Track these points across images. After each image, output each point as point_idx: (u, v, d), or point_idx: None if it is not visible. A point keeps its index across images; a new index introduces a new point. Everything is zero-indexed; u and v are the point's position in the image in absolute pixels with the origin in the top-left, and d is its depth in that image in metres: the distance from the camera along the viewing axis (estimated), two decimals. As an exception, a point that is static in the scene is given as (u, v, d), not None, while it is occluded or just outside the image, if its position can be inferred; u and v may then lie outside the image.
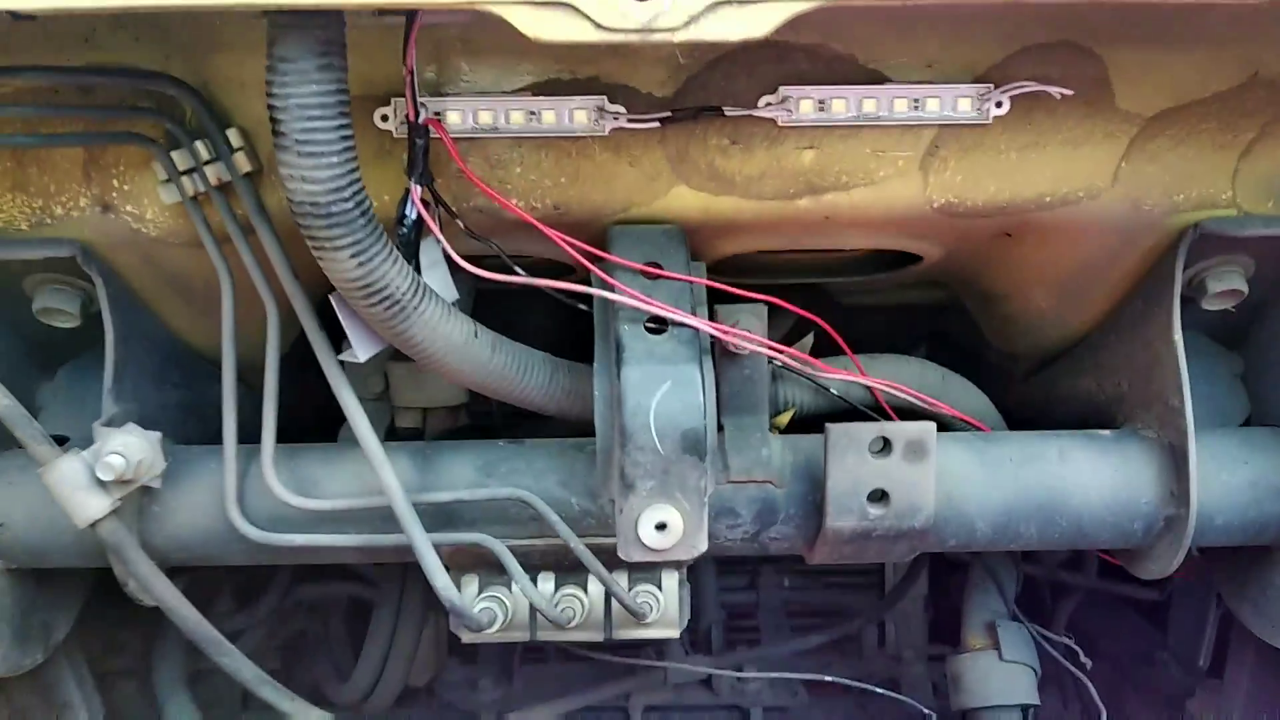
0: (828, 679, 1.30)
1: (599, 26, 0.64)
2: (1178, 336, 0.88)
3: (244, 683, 0.91)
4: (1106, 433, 0.96)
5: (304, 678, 1.60)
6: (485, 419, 1.14)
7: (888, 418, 1.01)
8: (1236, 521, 0.92)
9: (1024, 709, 1.11)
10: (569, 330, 1.03)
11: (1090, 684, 1.14)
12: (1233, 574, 1.06)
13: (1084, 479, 0.92)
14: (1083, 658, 1.15)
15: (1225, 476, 0.92)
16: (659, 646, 1.42)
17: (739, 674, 1.39)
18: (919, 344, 1.42)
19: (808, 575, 1.62)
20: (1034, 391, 1.19)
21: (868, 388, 1.00)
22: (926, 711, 1.24)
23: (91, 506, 0.81)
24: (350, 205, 0.72)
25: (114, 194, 0.87)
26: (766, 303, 0.92)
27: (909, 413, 1.01)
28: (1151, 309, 0.92)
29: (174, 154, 0.82)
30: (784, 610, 1.59)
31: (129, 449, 0.81)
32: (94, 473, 0.81)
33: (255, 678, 0.92)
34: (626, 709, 1.45)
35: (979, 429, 1.01)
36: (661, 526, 0.77)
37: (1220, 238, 0.88)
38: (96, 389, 0.92)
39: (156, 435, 0.84)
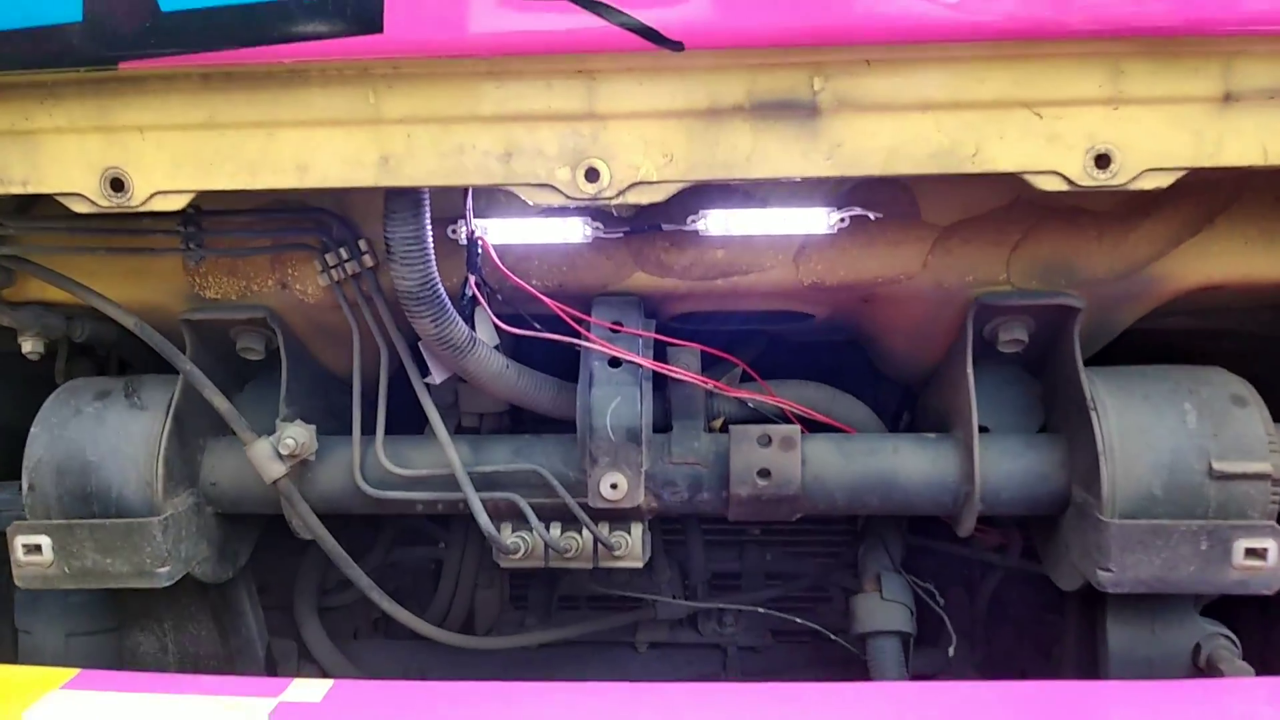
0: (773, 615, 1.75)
1: (567, 196, 1.13)
2: (969, 371, 1.32)
3: (364, 589, 1.43)
4: (931, 435, 1.40)
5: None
6: (520, 422, 1.64)
7: (789, 423, 1.47)
8: (1017, 497, 1.35)
9: (900, 634, 1.54)
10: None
11: (946, 617, 1.57)
12: (1041, 541, 1.49)
13: (910, 466, 1.36)
14: (938, 598, 1.58)
15: (1008, 465, 1.35)
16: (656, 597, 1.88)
17: (720, 605, 1.84)
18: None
19: (786, 550, 2.04)
20: (920, 404, 1.64)
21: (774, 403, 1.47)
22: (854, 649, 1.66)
23: (274, 470, 1.33)
24: (430, 291, 1.22)
25: (289, 278, 1.39)
26: (702, 348, 1.41)
27: (805, 419, 1.47)
28: (958, 351, 1.36)
29: (326, 255, 1.35)
30: (764, 576, 2.03)
31: (297, 435, 1.33)
32: (277, 449, 1.33)
33: (369, 586, 1.44)
34: (634, 643, 1.92)
35: (845, 430, 1.46)
36: (614, 485, 1.26)
37: (996, 306, 1.32)
38: (272, 398, 1.44)
39: (312, 427, 1.36)
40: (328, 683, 1.10)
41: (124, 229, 1.32)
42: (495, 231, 1.32)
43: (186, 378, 1.35)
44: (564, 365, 1.46)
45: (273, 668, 1.70)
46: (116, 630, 1.61)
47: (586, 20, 1.02)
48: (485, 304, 1.31)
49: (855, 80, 1.08)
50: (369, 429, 1.40)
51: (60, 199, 1.17)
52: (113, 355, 1.69)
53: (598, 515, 1.35)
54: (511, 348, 1.42)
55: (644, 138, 1.10)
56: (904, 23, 1.03)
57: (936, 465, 1.35)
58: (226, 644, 1.61)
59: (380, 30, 1.02)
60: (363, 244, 1.32)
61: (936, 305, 1.37)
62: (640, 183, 1.11)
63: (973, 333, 1.33)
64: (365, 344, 1.40)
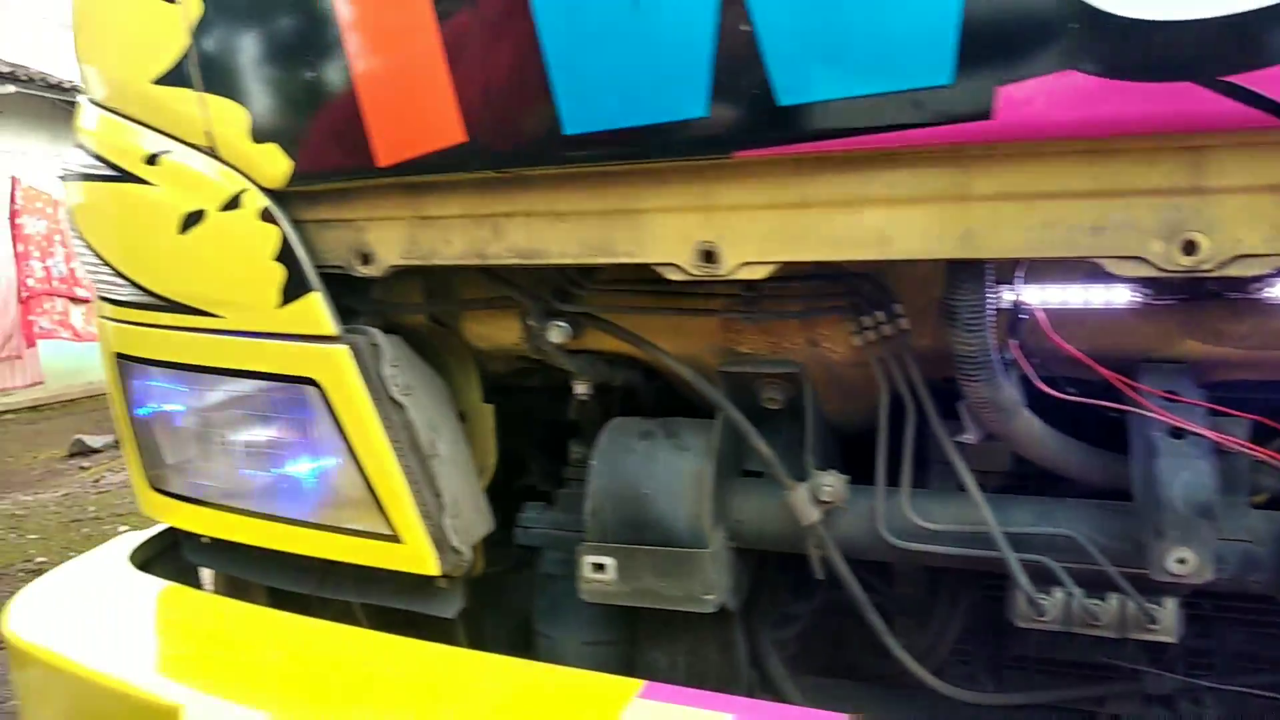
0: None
1: (1159, 269, 1.13)
2: None
3: (878, 632, 1.50)
4: None
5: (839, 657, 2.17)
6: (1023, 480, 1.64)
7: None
8: None
9: None
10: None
11: None
12: None
13: None
14: None
15: None
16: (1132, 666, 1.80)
17: (1238, 688, 1.72)
18: None
19: (1254, 630, 1.87)
20: None
21: (1330, 480, 1.37)
22: None
23: (811, 514, 1.44)
24: (988, 357, 1.27)
25: (818, 336, 1.50)
26: (1252, 418, 1.34)
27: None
28: None
29: (863, 318, 1.44)
30: (1233, 656, 1.87)
31: (834, 484, 1.43)
32: (815, 495, 1.44)
33: (883, 630, 1.50)
34: (1094, 714, 1.85)
35: None
36: (1182, 560, 1.23)
37: None
38: (784, 446, 1.56)
39: (846, 477, 1.46)
40: None
41: (679, 290, 1.48)
42: (1033, 295, 1.35)
43: (734, 425, 1.49)
44: (1069, 427, 1.45)
45: (749, 695, 1.82)
46: (621, 643, 1.80)
47: (1203, 99, 1.02)
48: (1029, 368, 1.34)
49: None
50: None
51: (656, 268, 1.34)
52: (617, 397, 1.90)
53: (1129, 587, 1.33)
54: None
55: (1251, 211, 1.08)
56: None
57: None
58: (723, 669, 1.74)
59: (990, 118, 1.09)
60: (898, 308, 1.40)
61: None
62: (1243, 255, 1.09)
63: None
64: (872, 398, 1.47)
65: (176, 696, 1.44)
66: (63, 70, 11.96)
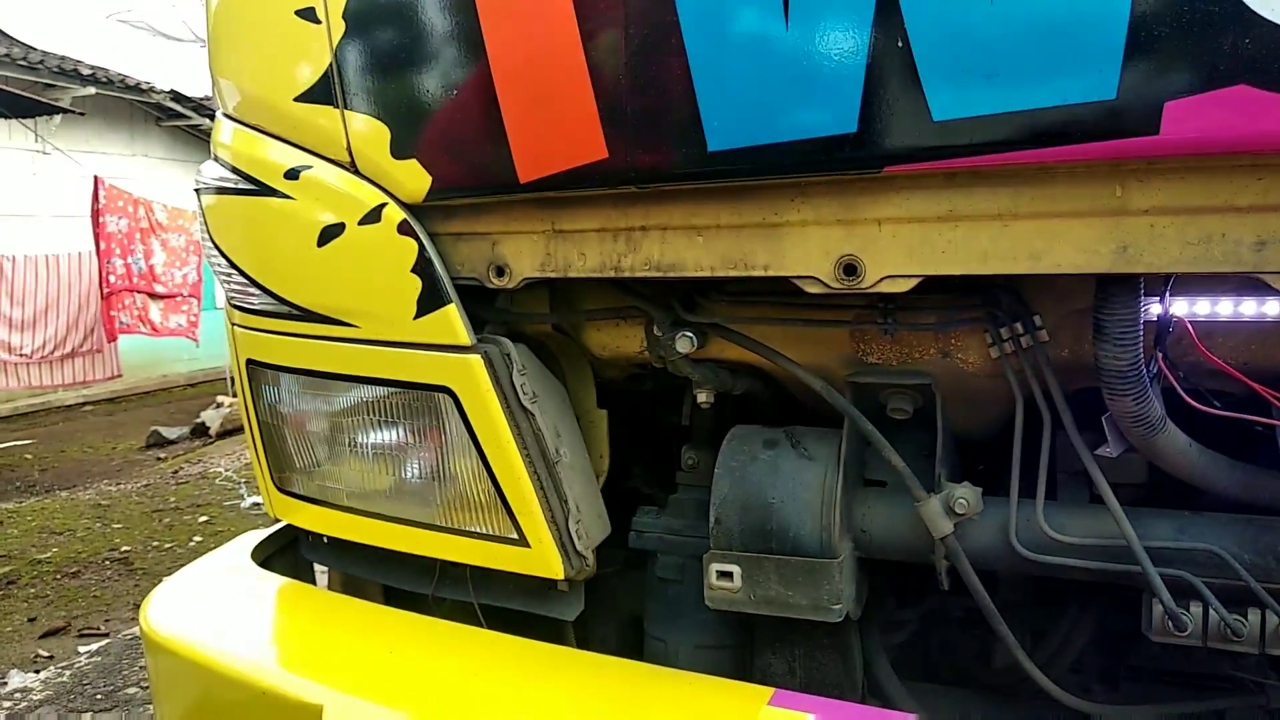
0: None
1: (1326, 287, 1.11)
2: None
3: (1009, 646, 1.49)
4: None
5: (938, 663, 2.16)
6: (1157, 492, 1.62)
7: None
8: None
9: None
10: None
11: None
12: None
13: None
14: None
15: None
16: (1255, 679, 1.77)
17: None
18: None
19: None
20: None
21: None
22: None
23: (944, 527, 1.44)
24: (1138, 371, 1.26)
25: (951, 347, 1.50)
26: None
27: None
28: None
29: (1001, 329, 1.43)
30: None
31: (968, 497, 1.43)
32: (948, 507, 1.44)
33: (1014, 644, 1.49)
34: (1218, 728, 1.82)
35: None
36: (1336, 578, 1.21)
37: None
38: (910, 457, 1.55)
39: (979, 489, 1.45)
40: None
41: (810, 301, 1.49)
42: (1180, 307, 1.33)
43: (861, 435, 1.49)
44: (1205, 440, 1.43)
45: (862, 701, 1.83)
46: (735, 647, 1.81)
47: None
48: (1175, 382, 1.32)
49: None
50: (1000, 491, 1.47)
51: (796, 281, 1.35)
52: (731, 404, 1.91)
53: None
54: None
55: None
56: None
57: None
58: (839, 675, 1.75)
59: (1156, 132, 1.08)
60: (1037, 319, 1.39)
61: None
62: None
63: None
64: (1000, 409, 1.46)
65: (318, 696, 1.49)
66: (68, 48, 12.24)
